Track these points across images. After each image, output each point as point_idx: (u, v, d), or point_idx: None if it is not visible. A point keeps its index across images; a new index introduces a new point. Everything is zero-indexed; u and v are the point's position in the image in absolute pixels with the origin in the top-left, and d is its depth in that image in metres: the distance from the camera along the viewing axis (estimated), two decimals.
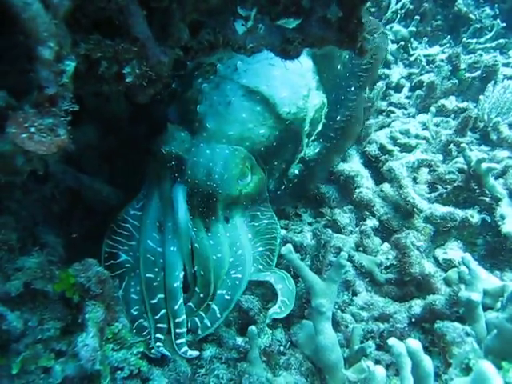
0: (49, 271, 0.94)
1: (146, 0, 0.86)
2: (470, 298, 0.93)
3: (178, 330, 1.26)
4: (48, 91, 0.68)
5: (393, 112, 2.26)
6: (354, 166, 1.80)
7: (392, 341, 0.75)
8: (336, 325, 1.33)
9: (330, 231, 1.48)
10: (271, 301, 1.42)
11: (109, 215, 1.44)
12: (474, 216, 1.54)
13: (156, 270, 1.31)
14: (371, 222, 1.64)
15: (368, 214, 1.68)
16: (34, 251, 0.98)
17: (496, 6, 2.81)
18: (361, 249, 1.56)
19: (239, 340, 1.29)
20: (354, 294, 1.42)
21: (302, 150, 1.61)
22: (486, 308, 1.18)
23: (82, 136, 1.60)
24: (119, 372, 0.99)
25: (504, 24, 2.67)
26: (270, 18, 0.99)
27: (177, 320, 1.26)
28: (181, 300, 1.28)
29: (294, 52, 1.02)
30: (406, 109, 2.31)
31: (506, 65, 2.43)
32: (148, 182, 1.45)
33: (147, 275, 1.30)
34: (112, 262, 1.33)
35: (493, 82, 2.11)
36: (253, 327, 1.05)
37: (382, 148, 1.85)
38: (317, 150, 1.65)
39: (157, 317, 1.28)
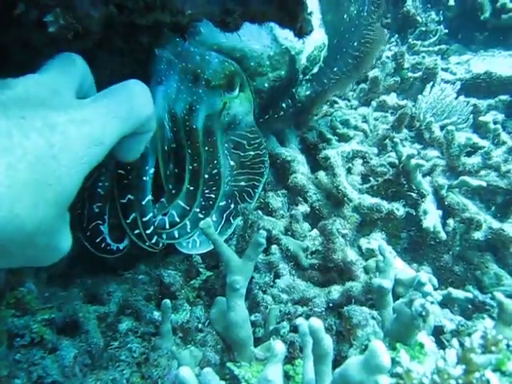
0: None
1: None
2: (381, 285, 0.96)
3: (147, 232, 1.24)
4: None
5: (336, 102, 2.30)
6: (291, 150, 1.80)
7: (299, 320, 0.76)
8: (256, 305, 1.34)
9: (259, 212, 1.48)
10: (194, 278, 1.41)
11: None
12: (400, 209, 1.60)
13: (128, 167, 1.25)
14: (302, 208, 1.65)
15: (300, 199, 1.70)
16: None
17: (441, 12, 2.92)
18: (289, 233, 1.58)
19: (156, 314, 1.27)
20: (277, 276, 1.43)
21: (294, 86, 1.57)
22: (398, 297, 1.23)
23: None
24: (18, 339, 0.93)
25: (446, 30, 2.79)
26: None
27: (144, 219, 1.23)
28: (149, 197, 1.25)
29: (233, 24, 0.99)
30: (349, 100, 2.36)
31: (445, 69, 2.53)
32: None
33: (118, 171, 1.24)
34: None
35: (431, 83, 2.19)
36: (167, 300, 1.03)
37: (320, 136, 1.87)
38: (308, 92, 1.63)
39: (128, 220, 1.24)
